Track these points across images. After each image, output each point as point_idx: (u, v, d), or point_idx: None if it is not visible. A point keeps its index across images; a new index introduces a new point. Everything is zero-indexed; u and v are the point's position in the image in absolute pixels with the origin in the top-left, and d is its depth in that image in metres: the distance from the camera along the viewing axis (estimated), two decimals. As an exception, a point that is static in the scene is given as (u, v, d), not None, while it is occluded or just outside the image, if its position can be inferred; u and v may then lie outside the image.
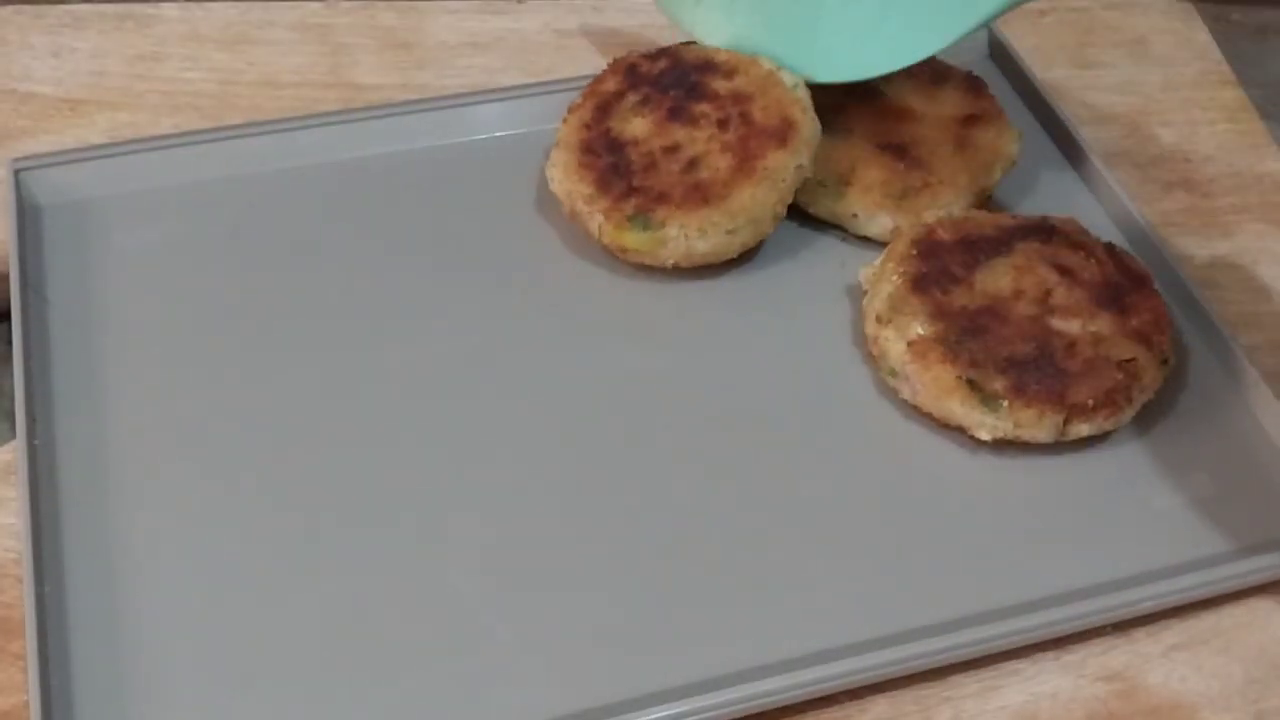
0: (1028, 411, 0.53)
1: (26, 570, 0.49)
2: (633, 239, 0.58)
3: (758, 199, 0.58)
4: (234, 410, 0.55)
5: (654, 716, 0.47)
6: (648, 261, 0.59)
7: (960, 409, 0.54)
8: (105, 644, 0.48)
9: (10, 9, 0.73)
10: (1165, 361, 0.56)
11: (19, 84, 0.69)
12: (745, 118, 0.60)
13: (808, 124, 0.60)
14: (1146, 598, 0.50)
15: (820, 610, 0.50)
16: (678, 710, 0.47)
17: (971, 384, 0.54)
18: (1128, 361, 0.54)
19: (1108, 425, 0.54)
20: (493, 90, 0.69)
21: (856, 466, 0.55)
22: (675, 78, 0.62)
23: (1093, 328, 0.55)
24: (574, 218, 0.60)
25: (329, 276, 0.60)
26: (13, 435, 0.53)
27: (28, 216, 0.61)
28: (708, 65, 0.63)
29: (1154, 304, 0.57)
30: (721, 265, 0.60)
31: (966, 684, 0.49)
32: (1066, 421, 0.54)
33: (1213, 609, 0.52)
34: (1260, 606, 0.52)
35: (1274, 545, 0.52)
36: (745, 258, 0.61)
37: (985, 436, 0.54)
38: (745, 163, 0.59)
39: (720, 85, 0.61)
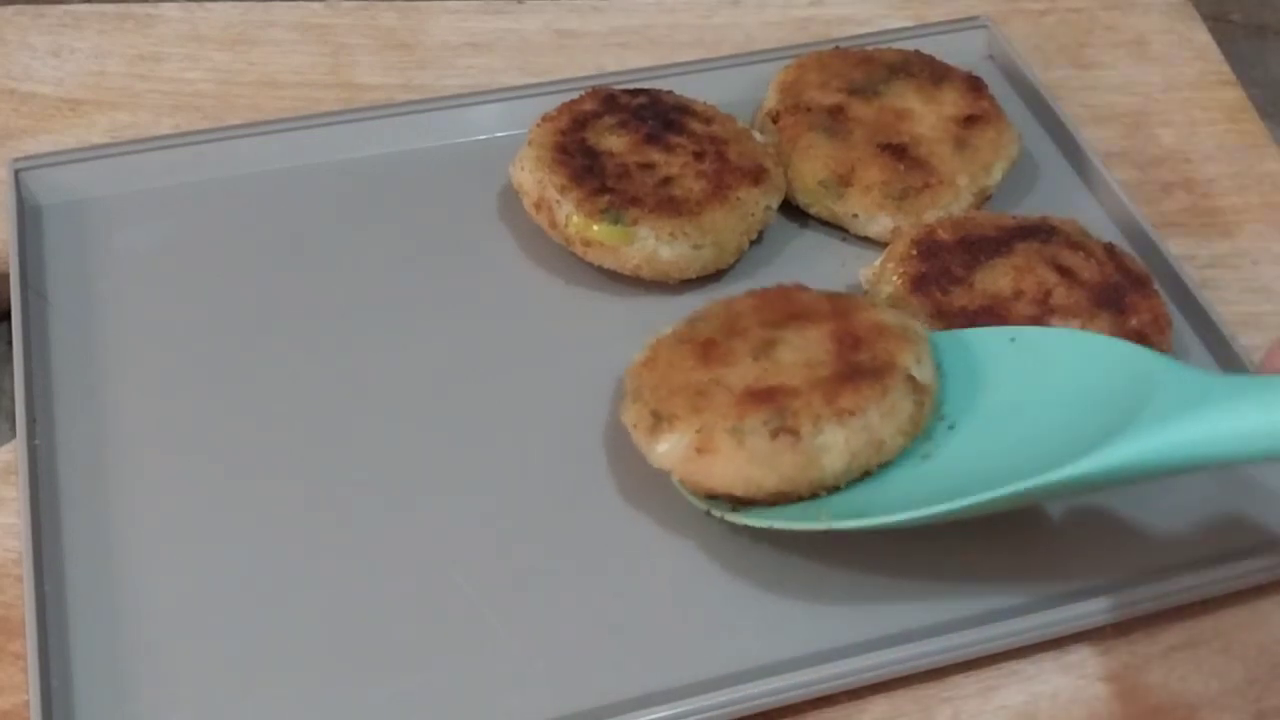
0: (1028, 411, 0.53)
1: (26, 570, 0.49)
2: (602, 231, 0.58)
3: (729, 223, 0.59)
4: (234, 410, 0.55)
5: (654, 716, 0.47)
6: (608, 262, 0.59)
7: (960, 409, 0.54)
8: (105, 644, 0.48)
9: (10, 9, 0.73)
10: (1165, 361, 0.56)
11: (19, 84, 0.69)
12: (720, 155, 0.61)
13: (779, 175, 0.62)
14: (1146, 598, 0.50)
15: (820, 610, 0.50)
16: (678, 710, 0.47)
17: (971, 384, 0.54)
18: (1128, 361, 0.54)
19: (1108, 425, 0.55)
20: (493, 90, 0.69)
21: (856, 466, 0.55)
22: (654, 112, 0.63)
23: (1093, 328, 0.55)
24: (538, 208, 0.60)
25: (329, 276, 0.60)
26: (13, 435, 0.53)
27: (28, 216, 0.61)
28: (686, 109, 0.63)
29: (1154, 304, 0.57)
30: (723, 269, 0.60)
31: (966, 684, 0.49)
32: (1066, 421, 0.54)
33: (1213, 609, 0.52)
34: (1260, 606, 0.52)
35: (1274, 545, 0.52)
36: (745, 261, 0.61)
37: (985, 436, 0.54)
38: (719, 190, 0.59)
39: (697, 126, 0.62)
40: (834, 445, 0.48)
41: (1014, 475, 0.46)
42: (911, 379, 0.50)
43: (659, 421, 0.50)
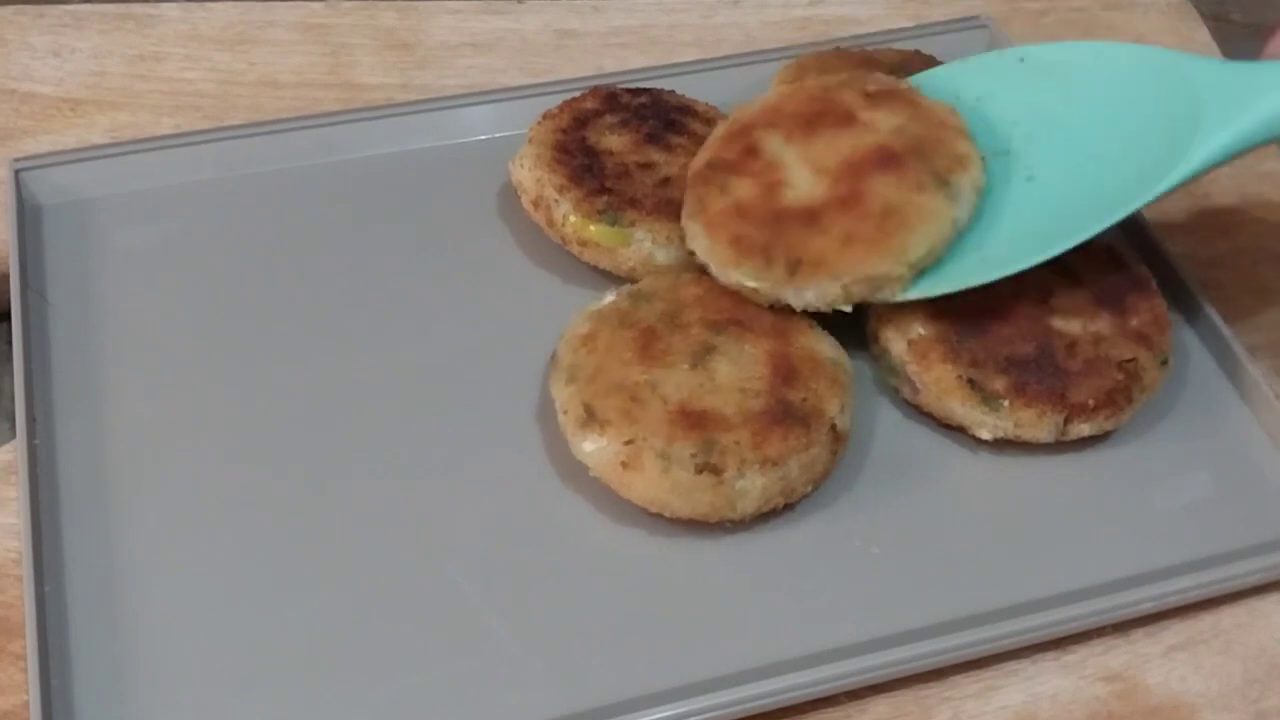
0: (1028, 411, 0.53)
1: (26, 570, 0.49)
2: (599, 232, 0.58)
3: None
4: (233, 410, 0.55)
5: (654, 717, 0.47)
6: (604, 263, 0.59)
7: (961, 409, 0.54)
8: (105, 644, 0.48)
9: (10, 9, 0.73)
10: (1165, 362, 0.56)
11: (19, 84, 0.69)
12: None
13: None
14: (1146, 598, 0.50)
15: (820, 610, 0.50)
16: (678, 710, 0.47)
17: (972, 384, 0.54)
18: (1128, 361, 0.54)
19: (1108, 425, 0.54)
20: (493, 90, 0.69)
21: (856, 466, 0.54)
22: (655, 111, 0.63)
23: (1093, 328, 0.55)
24: (537, 206, 0.60)
25: (328, 276, 0.60)
26: (13, 435, 0.53)
27: (28, 216, 0.61)
28: (687, 109, 0.63)
29: (1154, 304, 0.57)
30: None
31: (966, 684, 0.49)
32: (1066, 421, 0.54)
33: (1213, 609, 0.52)
34: (1260, 606, 0.52)
35: (1274, 545, 0.52)
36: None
37: (985, 436, 0.54)
38: None
39: (698, 127, 0.62)
40: (751, 490, 0.51)
41: (1102, 206, 0.52)
42: (833, 429, 0.52)
43: (590, 419, 0.51)
